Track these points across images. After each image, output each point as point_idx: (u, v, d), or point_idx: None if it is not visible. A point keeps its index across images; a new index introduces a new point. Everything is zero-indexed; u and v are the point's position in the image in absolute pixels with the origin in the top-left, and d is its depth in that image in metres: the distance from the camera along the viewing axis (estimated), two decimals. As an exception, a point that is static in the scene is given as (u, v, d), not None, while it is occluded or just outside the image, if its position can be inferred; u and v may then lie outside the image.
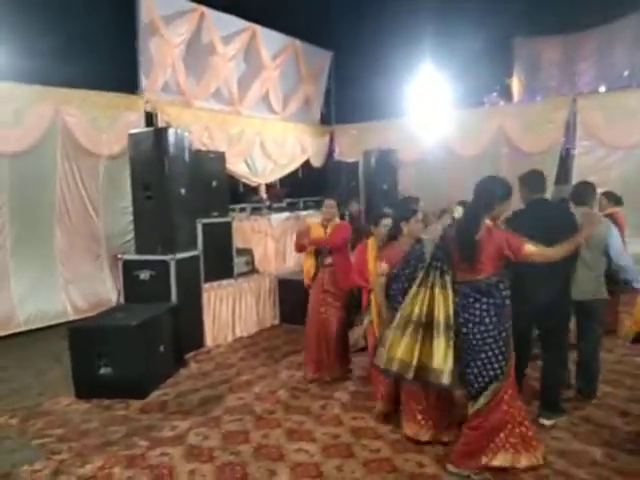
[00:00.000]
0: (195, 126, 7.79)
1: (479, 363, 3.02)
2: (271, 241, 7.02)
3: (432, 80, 9.94)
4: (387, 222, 4.15)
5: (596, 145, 8.27)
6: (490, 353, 2.99)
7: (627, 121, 7.84)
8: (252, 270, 6.76)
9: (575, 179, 8.28)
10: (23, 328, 6.33)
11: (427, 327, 3.16)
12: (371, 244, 4.20)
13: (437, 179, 9.31)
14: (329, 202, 4.84)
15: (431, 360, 3.11)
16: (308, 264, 4.90)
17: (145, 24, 7.25)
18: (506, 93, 11.84)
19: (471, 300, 3.04)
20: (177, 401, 4.43)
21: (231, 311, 6.21)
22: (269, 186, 9.30)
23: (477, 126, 9.12)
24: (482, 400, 3.03)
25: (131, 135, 5.60)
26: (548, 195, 6.14)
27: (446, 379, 3.06)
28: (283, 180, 9.71)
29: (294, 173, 9.95)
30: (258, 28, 8.93)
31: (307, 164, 10.22)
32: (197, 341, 5.77)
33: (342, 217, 5.89)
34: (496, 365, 3.00)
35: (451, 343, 3.09)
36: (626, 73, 10.03)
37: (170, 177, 5.37)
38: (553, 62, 11.43)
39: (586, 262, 3.87)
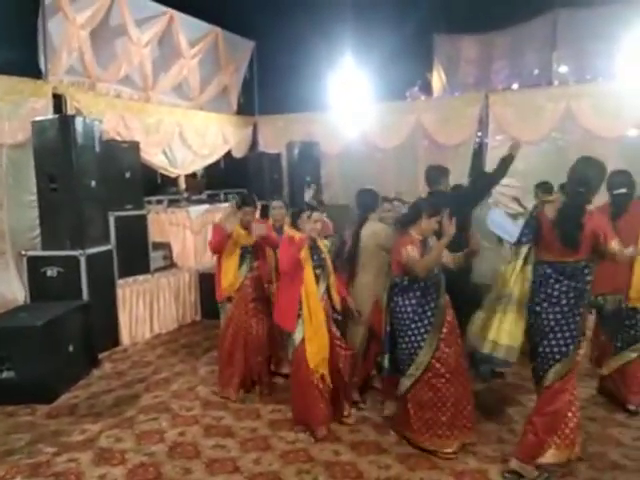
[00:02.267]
0: (109, 114, 7.40)
1: (546, 343, 2.98)
2: (190, 234, 6.84)
3: (353, 74, 10.04)
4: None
5: (507, 139, 8.68)
6: (559, 335, 2.95)
7: (534, 117, 8.30)
8: (170, 265, 6.58)
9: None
10: None
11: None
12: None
13: (359, 171, 9.45)
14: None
15: (503, 336, 3.04)
16: (232, 271, 4.18)
17: (48, 3, 6.79)
18: (427, 88, 12.20)
19: (551, 281, 2.98)
20: (88, 403, 4.24)
21: (148, 307, 6.01)
22: (189, 177, 9.04)
23: (396, 119, 9.32)
24: (550, 376, 2.97)
25: (34, 123, 5.27)
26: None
27: (514, 356, 3.03)
28: (204, 171, 9.48)
29: (215, 164, 9.74)
30: (176, 14, 8.64)
31: (229, 155, 10.04)
32: (112, 340, 5.55)
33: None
34: (564, 348, 2.95)
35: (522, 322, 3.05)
36: (536, 72, 10.61)
37: (78, 168, 5.10)
38: (470, 59, 11.87)
39: None
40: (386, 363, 3.54)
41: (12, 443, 3.58)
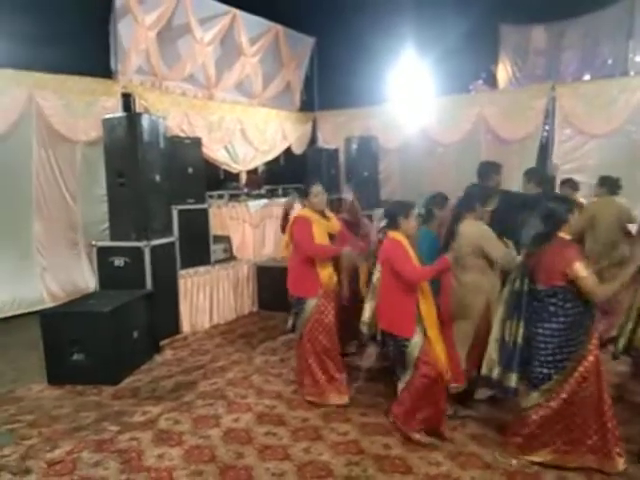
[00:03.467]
0: (174, 112, 7.74)
1: None
2: (249, 228, 7.02)
3: (414, 67, 9.92)
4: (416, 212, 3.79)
5: (575, 132, 8.33)
6: None
7: (604, 109, 7.91)
8: (230, 257, 6.76)
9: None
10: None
11: None
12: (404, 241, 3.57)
13: (418, 166, 9.34)
14: (318, 188, 4.12)
15: None
16: (330, 263, 4.07)
17: (119, 6, 7.15)
18: (492, 81, 11.86)
19: None
20: (150, 387, 4.45)
21: (208, 298, 6.22)
22: (250, 173, 9.25)
23: (457, 113, 9.13)
24: None
25: (105, 121, 5.56)
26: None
27: None
28: (264, 167, 9.67)
29: (276, 160, 9.91)
30: (238, 12, 8.85)
31: (289, 151, 10.18)
32: (173, 328, 5.79)
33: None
34: None
35: None
36: (610, 62, 10.11)
37: (144, 163, 5.34)
38: (539, 50, 11.44)
39: None
40: (514, 382, 3.15)
41: (80, 420, 3.82)
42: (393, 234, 3.58)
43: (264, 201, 7.40)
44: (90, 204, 7.04)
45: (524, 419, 3.13)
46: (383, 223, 3.71)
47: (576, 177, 7.65)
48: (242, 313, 6.68)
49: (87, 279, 7.01)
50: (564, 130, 8.40)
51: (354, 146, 8.86)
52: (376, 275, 3.78)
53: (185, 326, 5.95)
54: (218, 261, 6.51)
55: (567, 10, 10.02)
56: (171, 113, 7.64)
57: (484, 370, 3.27)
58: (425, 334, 3.40)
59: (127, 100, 7.25)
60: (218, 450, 3.39)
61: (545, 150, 8.63)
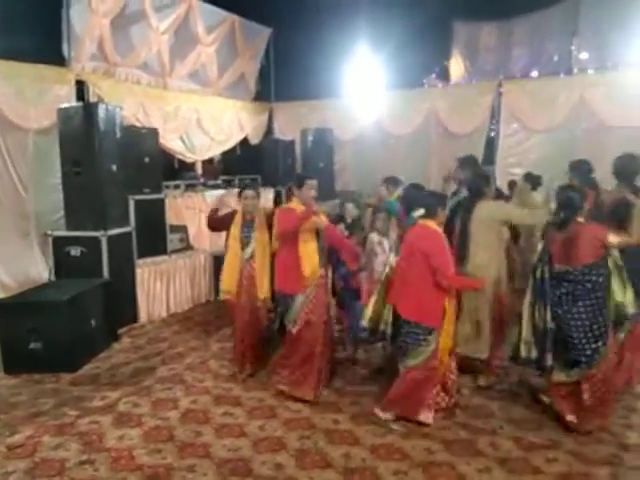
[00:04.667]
0: (129, 101, 7.68)
1: None
2: (205, 218, 7.08)
3: (368, 61, 10.15)
4: None
5: (519, 128, 8.78)
6: None
7: (547, 106, 8.37)
8: (186, 247, 6.85)
9: (499, 160, 8.85)
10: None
11: None
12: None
13: (372, 157, 9.61)
14: (314, 182, 4.01)
15: None
16: (314, 258, 3.96)
17: (72, -7, 7.04)
18: (445, 75, 12.21)
19: None
20: (109, 373, 4.56)
21: (165, 287, 6.31)
22: (205, 163, 9.30)
23: (409, 107, 9.46)
24: None
25: (60, 110, 5.55)
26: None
27: None
28: (220, 157, 9.73)
29: (232, 150, 9.97)
30: (194, 1, 8.84)
31: (245, 142, 10.25)
32: (131, 316, 5.86)
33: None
34: None
35: None
36: (555, 59, 10.59)
37: (100, 153, 5.38)
38: (489, 47, 11.85)
39: None
40: (550, 360, 3.50)
41: (39, 406, 3.90)
42: (430, 223, 3.62)
43: (220, 191, 7.49)
44: (42, 193, 6.92)
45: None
46: (419, 213, 3.67)
47: (516, 170, 8.19)
48: (199, 302, 6.80)
49: (40, 269, 6.90)
50: (509, 125, 8.84)
51: (310, 138, 9.06)
52: (388, 267, 3.83)
53: (143, 315, 6.03)
54: (175, 251, 6.59)
55: (516, 8, 10.42)
56: (126, 102, 7.57)
57: (523, 353, 3.59)
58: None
59: (80, 88, 7.19)
60: (176, 430, 3.55)
61: (491, 144, 9.06)
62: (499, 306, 4.11)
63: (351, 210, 4.88)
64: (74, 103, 5.91)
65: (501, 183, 7.70)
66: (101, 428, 3.58)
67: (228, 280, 4.40)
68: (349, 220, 4.92)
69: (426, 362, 3.51)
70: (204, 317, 6.27)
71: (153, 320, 6.10)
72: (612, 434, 3.45)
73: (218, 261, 6.83)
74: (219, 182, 8.46)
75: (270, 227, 4.38)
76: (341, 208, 5.17)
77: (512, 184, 6.94)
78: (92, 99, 7.11)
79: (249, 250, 4.33)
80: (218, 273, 6.79)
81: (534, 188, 5.45)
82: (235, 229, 4.39)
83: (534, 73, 10.22)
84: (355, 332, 4.73)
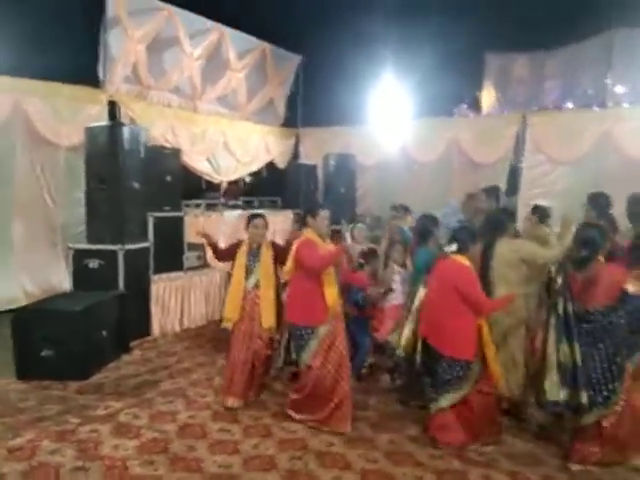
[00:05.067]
0: (159, 123, 8.00)
1: None
2: (223, 237, 7.24)
3: (394, 89, 10.29)
4: None
5: (544, 159, 8.73)
6: None
7: (572, 138, 8.32)
8: (204, 265, 6.97)
9: (523, 191, 8.79)
10: (-29, 313, 6.44)
11: None
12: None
13: (395, 183, 9.66)
14: (326, 213, 4.05)
15: None
16: (334, 288, 3.95)
17: (111, 18, 7.41)
18: (476, 105, 12.25)
19: None
20: (115, 384, 4.66)
21: (180, 303, 6.43)
22: (231, 183, 9.51)
23: (433, 135, 9.51)
24: None
25: (88, 129, 5.81)
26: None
27: None
28: (249, 178, 9.96)
29: (258, 172, 10.19)
30: (227, 30, 9.18)
31: (272, 165, 10.45)
32: (144, 329, 5.98)
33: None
34: None
35: None
36: (590, 92, 10.54)
37: (124, 171, 5.60)
38: (522, 78, 11.89)
39: None
40: (585, 398, 3.35)
41: (43, 412, 4.01)
42: (461, 258, 3.69)
43: (239, 212, 7.64)
44: (70, 207, 7.22)
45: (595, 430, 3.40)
46: (453, 248, 3.72)
47: (542, 202, 8.10)
48: (213, 319, 6.88)
49: (63, 280, 7.17)
50: (534, 156, 8.79)
51: (332, 163, 9.17)
52: (419, 298, 3.87)
53: (156, 328, 6.15)
54: (192, 268, 6.72)
55: (549, 41, 10.47)
56: (156, 124, 7.91)
57: (551, 396, 3.42)
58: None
59: (113, 108, 7.50)
60: (172, 443, 3.61)
61: (514, 175, 9.01)
62: (532, 346, 4.00)
63: (362, 230, 4.90)
64: (105, 122, 6.15)
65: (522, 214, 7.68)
66: (99, 437, 3.66)
67: (232, 308, 4.34)
68: (363, 246, 4.98)
69: (473, 391, 3.53)
70: (216, 334, 6.32)
71: (166, 334, 6.22)
72: (613, 474, 3.34)
73: (233, 280, 6.96)
74: (239, 202, 8.62)
75: (277, 256, 4.35)
76: (352, 228, 5.19)
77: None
78: (124, 120, 7.43)
79: (253, 279, 4.29)
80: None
81: (542, 221, 5.31)
82: (241, 257, 4.36)
83: (569, 105, 10.19)
84: (359, 367, 4.73)
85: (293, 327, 4.02)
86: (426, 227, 4.51)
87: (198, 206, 7.73)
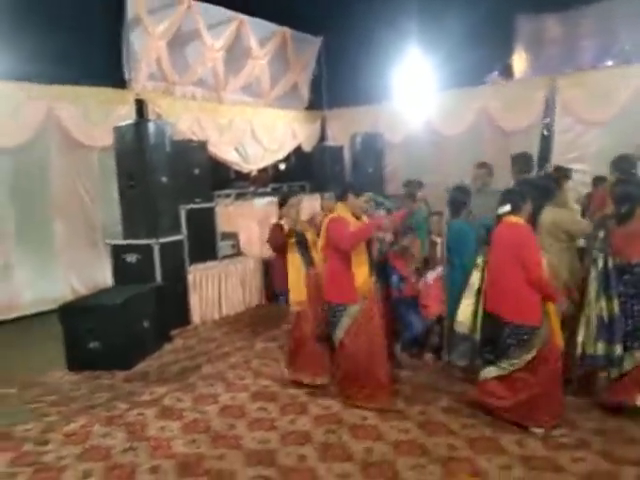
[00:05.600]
0: (185, 116, 8.20)
1: None
2: (255, 225, 7.40)
3: (419, 63, 10.13)
4: None
5: (575, 122, 8.47)
6: None
7: (603, 98, 8.04)
8: (237, 252, 7.15)
9: (555, 157, 8.56)
10: (26, 312, 6.82)
11: None
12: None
13: (422, 158, 9.57)
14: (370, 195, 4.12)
15: None
16: (366, 268, 3.93)
17: (131, 18, 7.59)
18: (508, 72, 11.94)
19: None
20: (158, 371, 4.89)
21: (217, 291, 6.64)
22: (260, 171, 9.64)
23: (460, 106, 9.35)
24: None
25: (115, 128, 6.01)
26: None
27: None
28: (273, 166, 10.07)
29: (286, 158, 10.28)
30: (246, 18, 9.23)
31: (299, 149, 10.52)
32: (184, 319, 6.22)
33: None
34: None
35: None
36: (627, 47, 10.14)
37: (151, 166, 5.79)
38: (555, 39, 11.51)
39: None
40: (619, 351, 3.46)
41: (94, 400, 4.27)
42: (515, 219, 3.58)
43: (269, 199, 7.77)
44: (108, 205, 7.49)
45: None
46: (506, 208, 3.62)
47: (577, 166, 7.90)
48: (250, 305, 7.08)
49: (105, 276, 7.48)
50: (565, 120, 8.55)
51: (359, 142, 9.15)
52: (477, 271, 3.77)
53: (195, 317, 6.38)
54: (226, 256, 6.91)
55: (581, -1, 10.10)
56: (183, 117, 8.11)
57: (589, 349, 3.53)
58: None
59: (140, 107, 7.73)
60: (213, 422, 3.79)
61: (547, 140, 8.78)
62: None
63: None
64: (126, 122, 6.35)
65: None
66: (146, 420, 3.88)
67: (298, 291, 4.32)
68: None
69: (545, 364, 3.43)
70: (254, 319, 6.53)
71: (206, 322, 6.44)
72: (647, 435, 3.32)
73: (267, 266, 7.12)
74: (268, 190, 8.75)
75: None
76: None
77: (596, 180, 6.51)
78: (151, 116, 7.66)
79: (307, 258, 4.36)
80: (268, 278, 7.14)
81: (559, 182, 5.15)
82: (291, 243, 4.35)
83: (609, 63, 9.83)
84: (408, 345, 4.80)
85: (327, 303, 4.03)
86: (458, 199, 4.51)
87: (228, 196, 7.91)
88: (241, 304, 6.97)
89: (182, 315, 6.17)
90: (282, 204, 4.65)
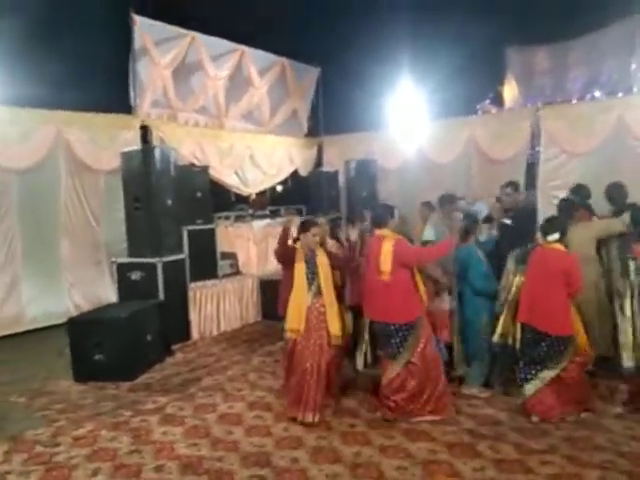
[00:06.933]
0: (188, 142, 8.58)
1: None
2: (253, 245, 7.74)
3: (411, 93, 10.57)
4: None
5: (558, 152, 8.89)
6: None
7: (585, 129, 8.46)
8: (236, 272, 7.48)
9: (541, 184, 8.97)
10: (31, 327, 7.10)
11: None
12: None
13: (416, 184, 9.95)
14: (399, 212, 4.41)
15: None
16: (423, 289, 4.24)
17: (138, 49, 8.03)
18: (499, 101, 12.44)
19: None
20: (161, 382, 5.17)
21: (216, 308, 6.94)
22: (258, 194, 10.02)
23: (450, 136, 9.77)
24: None
25: (123, 154, 6.39)
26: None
27: None
28: (271, 189, 10.45)
29: (283, 183, 10.66)
30: (247, 49, 9.70)
31: (296, 173, 10.90)
32: (184, 334, 6.51)
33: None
34: None
35: None
36: (615, 77, 10.63)
37: (157, 189, 6.15)
38: (545, 70, 12.04)
39: None
40: None
41: (100, 408, 4.54)
42: (559, 246, 4.09)
43: (267, 221, 8.13)
44: (112, 226, 7.84)
45: None
46: (555, 237, 4.08)
47: (560, 193, 8.31)
48: (247, 322, 7.38)
49: (109, 293, 7.78)
50: (549, 149, 8.96)
51: (352, 168, 9.55)
52: (515, 287, 4.20)
53: (195, 333, 6.68)
54: (225, 275, 7.23)
55: (570, 31, 10.62)
56: (185, 143, 8.50)
57: (627, 363, 4.11)
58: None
59: (145, 132, 8.12)
60: (212, 429, 4.07)
61: (532, 169, 9.20)
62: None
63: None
64: (136, 147, 6.72)
65: (543, 206, 7.98)
66: (149, 426, 4.16)
67: (296, 318, 4.15)
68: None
69: (581, 366, 4.00)
70: (251, 335, 6.83)
71: (205, 337, 6.73)
72: (614, 443, 3.62)
73: (264, 285, 7.45)
74: (267, 212, 9.12)
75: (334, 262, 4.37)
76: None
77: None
78: (155, 141, 8.04)
79: (314, 287, 4.17)
80: (265, 296, 7.45)
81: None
82: (300, 266, 4.19)
83: (597, 94, 10.29)
84: None
85: (390, 326, 4.04)
86: (467, 227, 4.79)
87: (228, 218, 8.26)
88: (238, 321, 7.27)
89: (183, 330, 6.47)
90: (304, 229, 4.26)
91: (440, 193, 9.28)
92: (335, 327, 4.17)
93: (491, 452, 3.55)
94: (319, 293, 4.18)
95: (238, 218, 8.43)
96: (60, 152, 7.40)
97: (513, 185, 6.10)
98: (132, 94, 8.14)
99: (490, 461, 3.44)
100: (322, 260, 4.24)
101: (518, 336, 4.09)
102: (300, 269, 4.19)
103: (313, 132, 11.66)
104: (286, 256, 4.29)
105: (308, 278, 4.19)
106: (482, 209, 6.39)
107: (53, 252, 7.49)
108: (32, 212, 7.19)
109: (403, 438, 3.79)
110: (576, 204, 5.13)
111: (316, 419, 4.04)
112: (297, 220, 4.90)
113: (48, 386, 5.14)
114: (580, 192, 5.44)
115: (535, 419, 3.97)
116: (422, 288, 4.18)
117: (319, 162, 11.43)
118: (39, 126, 7.13)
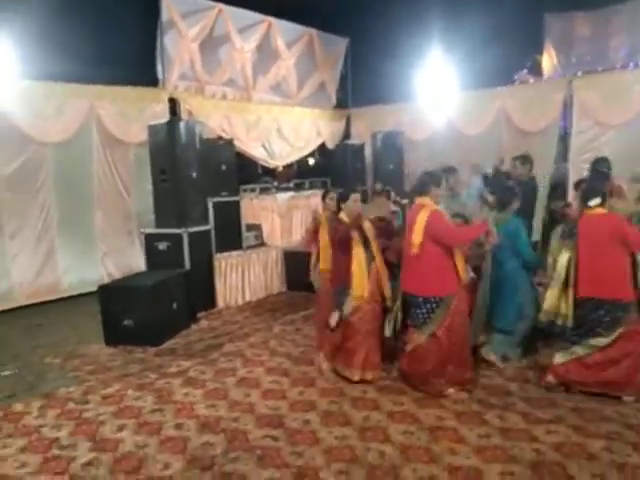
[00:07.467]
0: (215, 115, 8.70)
1: None
2: (277, 218, 7.87)
3: (442, 63, 10.38)
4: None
5: (591, 124, 8.63)
6: None
7: (620, 99, 8.19)
8: (261, 243, 7.64)
9: (572, 157, 8.76)
10: (67, 294, 7.47)
11: None
12: None
13: (444, 156, 9.82)
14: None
15: None
16: (463, 261, 4.13)
17: (166, 22, 8.11)
18: (537, 70, 12.11)
19: None
20: (185, 347, 5.41)
21: (241, 278, 7.13)
22: (285, 167, 10.10)
23: (480, 107, 9.58)
24: None
25: (149, 127, 6.55)
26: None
27: None
28: (301, 162, 10.51)
29: (313, 155, 10.69)
30: (274, 20, 9.66)
31: (324, 146, 10.91)
32: (210, 302, 6.74)
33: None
34: None
35: None
36: None
37: (182, 162, 6.30)
38: (585, 38, 11.61)
39: None
40: None
41: (127, 370, 4.81)
42: (603, 210, 3.92)
43: (291, 194, 8.22)
44: (142, 197, 8.08)
45: None
46: (597, 201, 3.88)
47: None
48: (272, 292, 7.56)
49: (140, 262, 8.06)
50: (582, 121, 8.71)
51: (379, 140, 9.51)
52: (564, 259, 3.97)
53: (220, 301, 6.90)
54: (250, 246, 7.40)
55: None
56: (213, 116, 8.62)
57: None
58: None
59: (173, 105, 8.27)
60: (231, 392, 4.27)
61: (564, 140, 8.98)
62: None
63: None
64: (164, 120, 6.86)
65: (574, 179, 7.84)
66: (172, 387, 4.39)
67: (361, 286, 4.27)
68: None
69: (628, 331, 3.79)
70: (274, 305, 7.01)
71: (230, 306, 6.95)
72: (621, 415, 3.64)
73: (288, 257, 7.60)
74: (291, 185, 9.21)
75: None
76: None
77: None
78: (183, 114, 8.18)
79: (369, 254, 4.34)
80: (289, 267, 7.60)
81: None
82: (355, 237, 4.28)
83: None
84: None
85: (419, 297, 4.03)
86: (505, 197, 4.74)
87: (253, 190, 8.39)
88: (263, 291, 7.45)
89: (208, 299, 6.69)
90: (342, 199, 4.44)
91: (469, 165, 9.33)
92: (387, 290, 4.38)
93: (499, 421, 3.62)
94: (373, 258, 4.37)
95: (263, 190, 8.55)
96: (92, 125, 7.62)
97: (521, 159, 6.06)
98: (160, 67, 8.28)
99: (496, 429, 3.51)
100: (367, 225, 4.39)
101: (570, 312, 3.91)
102: (356, 239, 4.28)
103: (341, 104, 11.61)
104: (342, 240, 4.32)
105: (364, 247, 4.32)
106: (476, 183, 6.84)
107: (87, 222, 7.80)
108: (66, 184, 7.47)
109: (412, 405, 3.90)
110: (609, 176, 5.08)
111: (376, 376, 4.30)
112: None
113: (81, 349, 5.45)
114: (601, 165, 5.40)
115: (550, 379, 4.00)
116: (461, 265, 4.02)
117: (347, 134, 11.41)
118: (72, 100, 7.35)
